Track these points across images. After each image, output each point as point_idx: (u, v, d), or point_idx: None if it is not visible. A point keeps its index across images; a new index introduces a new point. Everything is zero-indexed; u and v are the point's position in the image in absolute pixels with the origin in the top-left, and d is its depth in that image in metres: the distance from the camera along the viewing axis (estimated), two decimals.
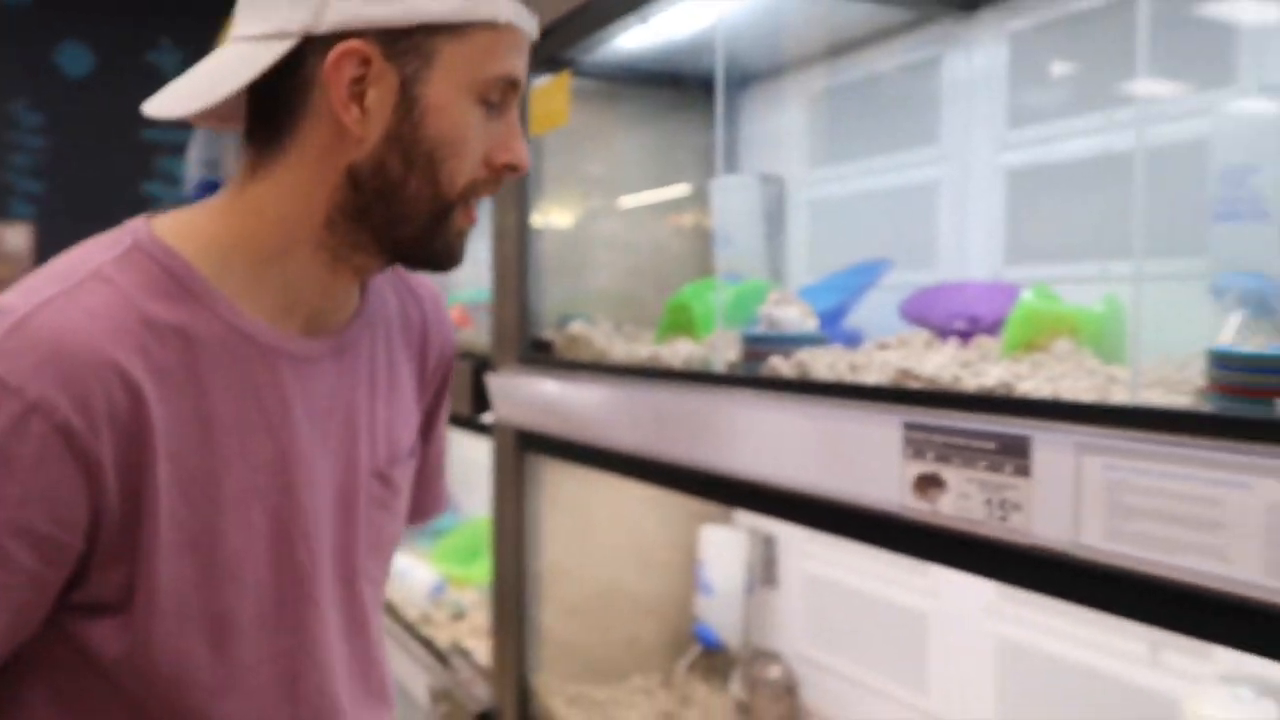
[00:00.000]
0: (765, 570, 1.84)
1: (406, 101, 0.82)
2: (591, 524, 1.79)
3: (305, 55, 0.81)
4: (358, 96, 0.81)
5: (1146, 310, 0.97)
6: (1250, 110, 1.11)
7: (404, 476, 1.06)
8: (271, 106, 0.85)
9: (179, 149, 5.70)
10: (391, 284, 1.05)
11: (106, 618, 0.82)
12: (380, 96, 0.82)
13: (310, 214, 0.85)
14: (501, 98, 0.85)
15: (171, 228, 0.86)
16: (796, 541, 1.79)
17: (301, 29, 0.80)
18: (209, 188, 4.32)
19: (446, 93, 0.83)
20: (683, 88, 1.91)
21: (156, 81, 0.88)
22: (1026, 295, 1.19)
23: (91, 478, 0.77)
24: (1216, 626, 0.66)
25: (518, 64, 0.86)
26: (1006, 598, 1.40)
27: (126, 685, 0.84)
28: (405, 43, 0.81)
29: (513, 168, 0.87)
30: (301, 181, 0.85)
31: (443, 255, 0.90)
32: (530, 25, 0.87)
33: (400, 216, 0.85)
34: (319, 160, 0.84)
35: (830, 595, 1.72)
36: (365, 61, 0.80)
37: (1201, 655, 1.16)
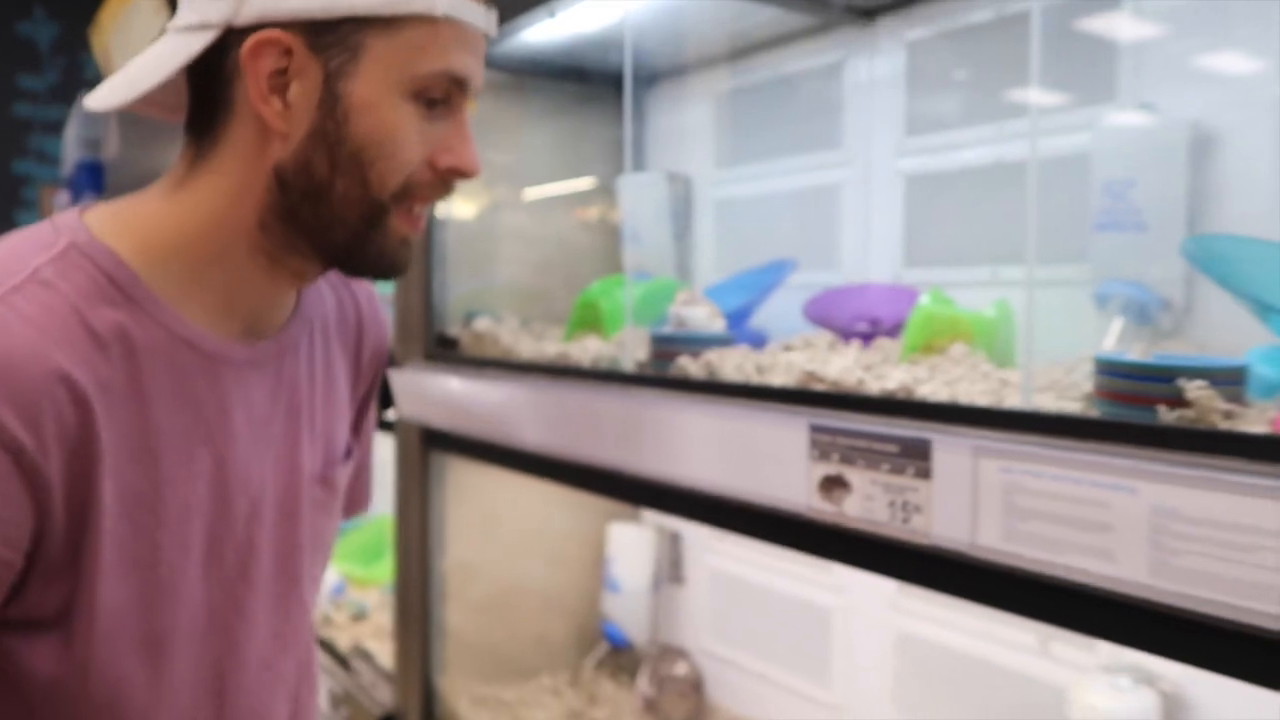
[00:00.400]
0: (672, 567, 1.86)
1: (330, 97, 0.79)
2: (498, 521, 1.78)
3: (230, 48, 0.78)
4: (280, 90, 0.79)
5: (1037, 315, 1.02)
6: (1129, 125, 1.17)
7: (343, 477, 1.04)
8: (205, 100, 0.82)
9: (54, 127, 5.45)
10: (327, 278, 1.02)
11: (41, 635, 0.78)
12: (303, 91, 0.79)
13: (244, 215, 0.82)
14: (445, 96, 0.82)
15: (107, 225, 0.82)
16: (703, 538, 1.81)
17: (222, 20, 0.78)
18: (89, 169, 4.14)
19: (374, 89, 0.79)
20: (590, 83, 1.91)
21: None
22: (923, 300, 1.23)
23: (39, 497, 0.73)
24: (1103, 623, 0.70)
25: (463, 60, 0.82)
26: (907, 593, 1.45)
27: (56, 708, 0.80)
28: (330, 35, 0.78)
29: (459, 172, 0.84)
30: (233, 180, 0.82)
31: (380, 262, 0.86)
32: (481, 19, 0.83)
33: (330, 219, 0.82)
34: (248, 158, 0.81)
35: (736, 591, 1.74)
36: (287, 53, 0.77)
37: (1087, 646, 1.22)
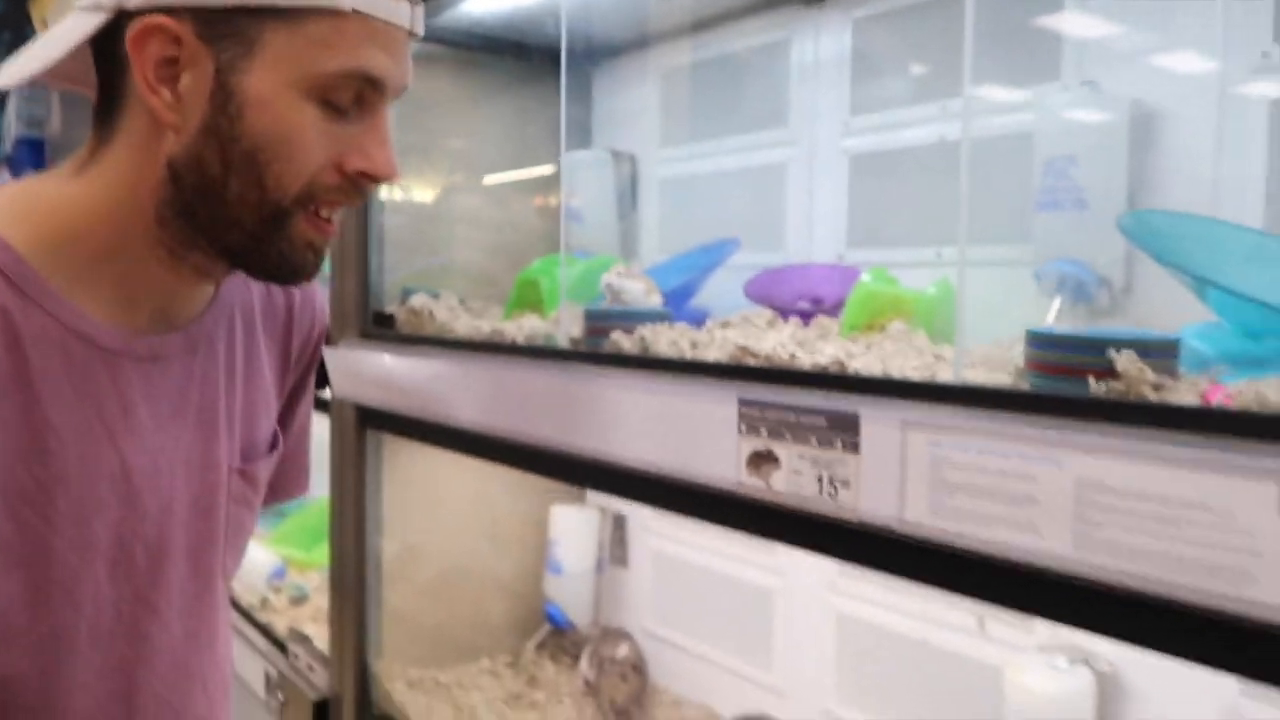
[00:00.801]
0: (616, 549, 1.84)
1: (222, 92, 0.74)
2: (439, 502, 1.75)
3: (124, 31, 0.74)
4: (169, 80, 0.74)
5: (978, 296, 1.00)
6: (1071, 104, 1.16)
7: (265, 470, 1.01)
8: (105, 85, 0.79)
9: None
10: None
11: None
12: (194, 83, 0.74)
13: (140, 207, 0.79)
14: (357, 99, 0.77)
15: (2, 209, 0.78)
16: (647, 520, 1.79)
17: (113, 2, 0.74)
18: (30, 145, 4.04)
19: (270, 87, 0.74)
20: (534, 59, 1.87)
21: None
22: (864, 278, 1.21)
23: None
24: (1030, 598, 0.68)
25: (377, 60, 0.76)
26: (846, 575, 1.44)
27: None
28: (224, 26, 0.73)
29: (370, 177, 0.79)
30: (128, 171, 0.78)
31: (282, 267, 0.81)
32: (401, 16, 0.77)
33: (226, 220, 0.78)
34: (141, 149, 0.78)
35: (679, 574, 1.72)
36: (176, 41, 0.73)
37: (1023, 627, 1.21)
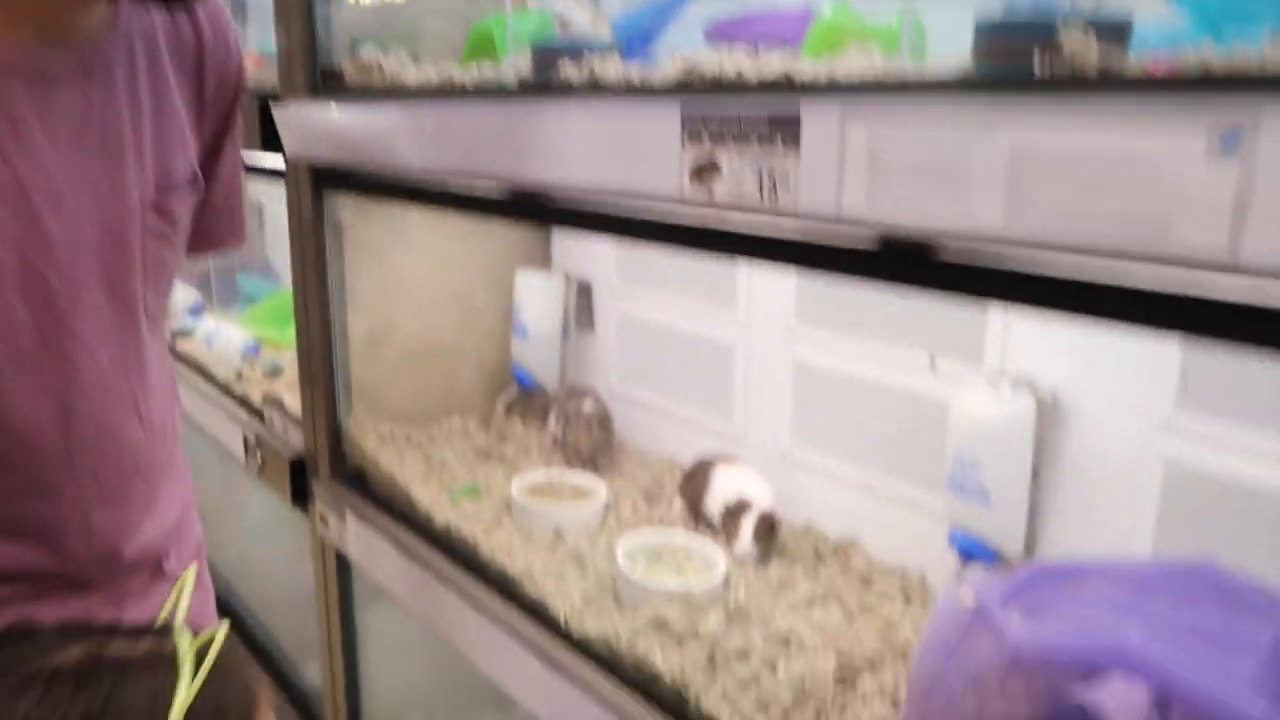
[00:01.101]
0: (582, 315, 1.85)
1: None
2: (404, 274, 1.74)
3: None
4: None
5: (946, 33, 0.97)
6: None
7: (182, 207, 1.01)
8: None
9: None
10: None
11: None
12: None
13: None
14: None
15: None
16: (613, 286, 1.80)
17: None
18: None
19: None
20: None
21: None
22: (825, 11, 1.17)
23: None
24: (964, 279, 0.69)
25: None
26: (805, 321, 1.46)
27: None
28: None
29: None
30: None
31: None
32: None
33: None
34: None
35: (644, 336, 1.75)
36: None
37: (973, 359, 1.24)
